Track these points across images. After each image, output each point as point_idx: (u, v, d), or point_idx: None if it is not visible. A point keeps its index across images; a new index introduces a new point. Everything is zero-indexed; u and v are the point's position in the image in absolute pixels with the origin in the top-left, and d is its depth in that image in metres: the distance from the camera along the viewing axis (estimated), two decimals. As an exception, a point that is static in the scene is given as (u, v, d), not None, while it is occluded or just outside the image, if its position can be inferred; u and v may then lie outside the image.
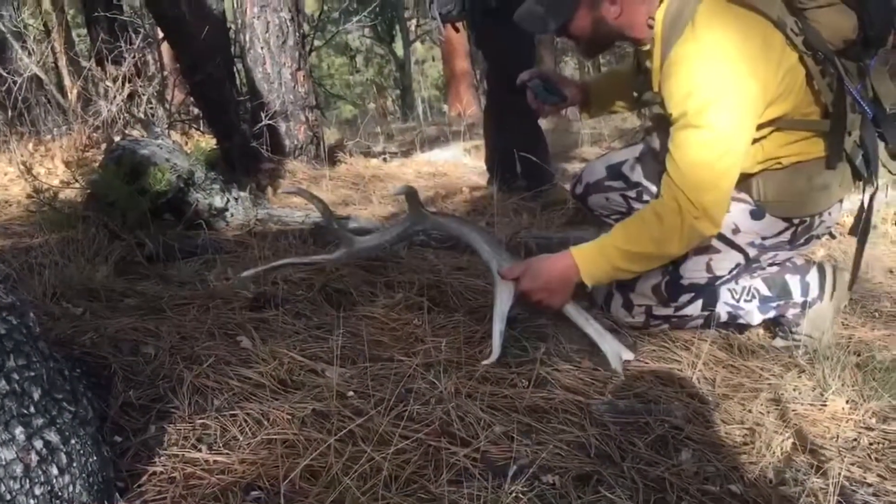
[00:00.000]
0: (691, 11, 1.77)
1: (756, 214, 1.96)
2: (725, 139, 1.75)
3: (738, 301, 2.10)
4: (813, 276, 2.13)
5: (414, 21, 19.98)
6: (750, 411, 1.75)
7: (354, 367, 1.83)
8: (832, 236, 2.40)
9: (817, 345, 2.05)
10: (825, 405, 1.79)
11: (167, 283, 2.36)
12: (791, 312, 2.13)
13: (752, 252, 2.01)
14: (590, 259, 1.88)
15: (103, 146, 3.86)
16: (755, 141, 1.87)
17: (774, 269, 2.13)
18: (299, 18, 4.87)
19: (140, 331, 1.90)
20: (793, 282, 2.12)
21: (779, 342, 2.17)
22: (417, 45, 21.59)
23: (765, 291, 2.11)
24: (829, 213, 2.01)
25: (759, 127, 1.83)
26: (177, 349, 1.81)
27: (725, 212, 1.84)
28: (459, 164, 5.50)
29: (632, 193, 2.31)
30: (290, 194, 3.65)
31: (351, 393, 1.68)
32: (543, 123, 4.43)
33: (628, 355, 1.86)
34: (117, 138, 3.62)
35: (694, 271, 2.00)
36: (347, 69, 23.77)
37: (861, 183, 1.95)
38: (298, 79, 4.72)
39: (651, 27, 1.88)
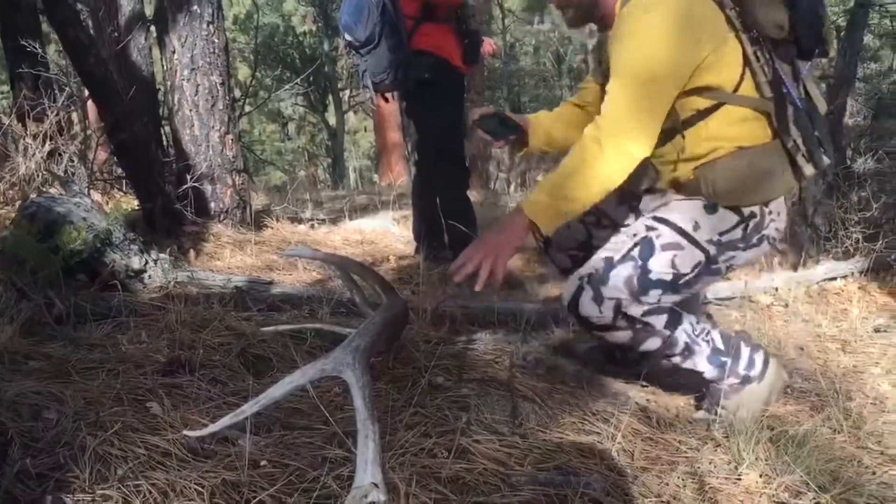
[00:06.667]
0: None
1: (709, 209, 2.07)
2: (650, 70, 1.94)
3: (696, 335, 2.13)
4: (759, 357, 2.19)
5: (347, 91, 20.23)
6: (667, 484, 1.75)
7: (269, 435, 1.77)
8: (776, 249, 2.48)
9: (732, 418, 2.08)
10: (740, 479, 1.80)
11: (76, 346, 2.26)
12: (728, 382, 2.16)
13: (711, 250, 2.07)
14: (531, 199, 1.99)
15: (18, 203, 3.73)
16: (701, 116, 2.03)
17: (730, 332, 2.22)
18: (230, 83, 4.86)
19: (43, 395, 1.81)
20: (744, 350, 2.18)
21: (700, 414, 2.20)
22: (350, 114, 21.81)
23: (719, 343, 2.15)
24: (779, 214, 2.12)
25: (699, 92, 2.01)
26: (81, 415, 1.72)
27: (651, 136, 1.97)
28: (388, 232, 5.50)
29: (591, 218, 2.36)
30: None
31: (264, 462, 1.62)
32: (471, 195, 4.49)
33: (376, 497, 1.43)
34: (33, 195, 3.51)
35: (660, 266, 2.04)
36: (279, 136, 23.79)
37: (800, 180, 2.09)
38: (227, 142, 4.69)
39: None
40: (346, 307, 2.89)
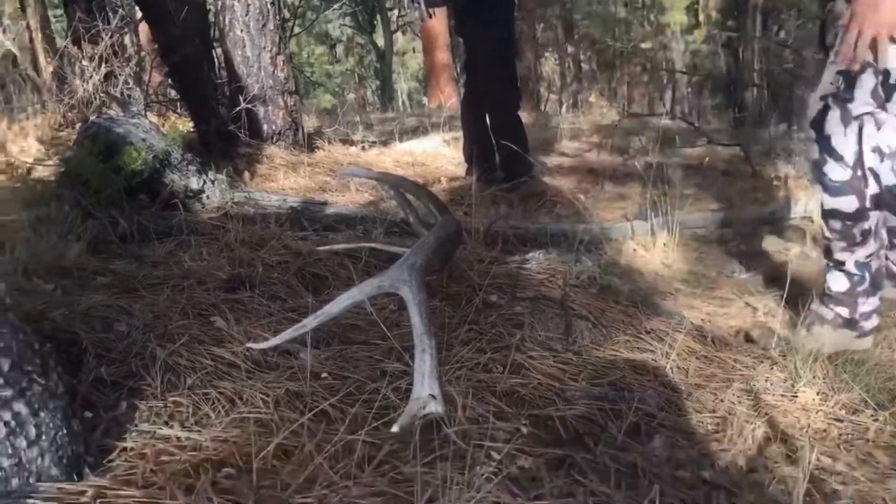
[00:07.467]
0: None
1: None
2: None
3: (880, 232, 2.09)
4: (875, 321, 2.14)
5: (395, 11, 19.89)
6: (722, 401, 1.76)
7: (329, 349, 1.82)
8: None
9: (791, 338, 2.07)
10: (796, 396, 1.80)
11: (141, 263, 2.33)
12: (836, 311, 2.12)
13: None
14: None
15: (78, 125, 3.80)
16: None
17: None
18: (279, 2, 4.82)
19: (113, 308, 1.87)
20: (876, 300, 2.12)
21: (782, 330, 2.17)
22: (398, 35, 21.48)
23: (875, 264, 2.10)
24: None
25: None
26: (150, 327, 1.78)
27: None
28: (438, 154, 5.48)
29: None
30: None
31: (325, 374, 1.67)
32: (522, 116, 4.44)
33: (434, 408, 1.51)
34: (93, 117, 3.57)
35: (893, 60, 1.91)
36: (327, 58, 23.62)
37: None
38: (278, 63, 4.68)
39: None
40: (399, 227, 2.92)
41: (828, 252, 2.14)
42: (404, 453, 1.40)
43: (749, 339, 2.19)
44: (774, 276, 2.73)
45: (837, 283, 2.12)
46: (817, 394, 1.79)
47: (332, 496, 1.24)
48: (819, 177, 2.07)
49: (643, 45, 14.85)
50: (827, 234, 2.11)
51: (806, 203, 3.51)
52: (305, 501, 1.22)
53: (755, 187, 4.29)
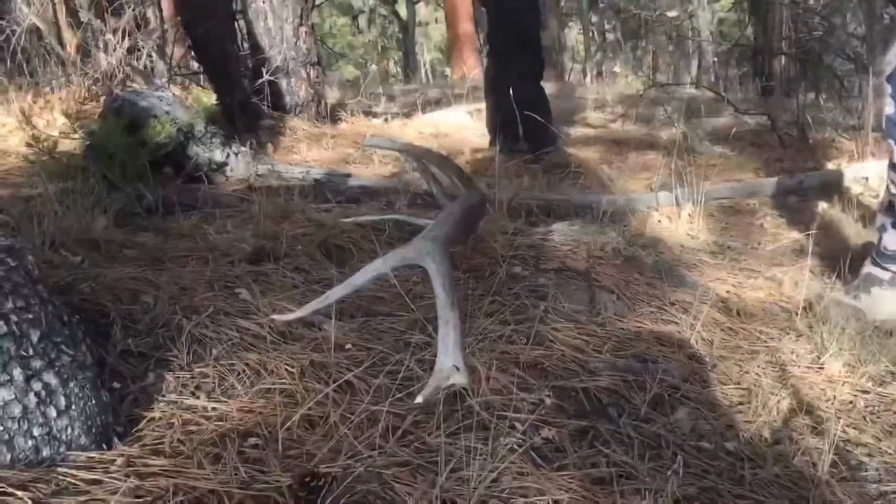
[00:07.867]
0: None
1: None
2: None
3: None
4: None
5: (418, -19, 19.71)
6: (747, 372, 1.75)
7: (353, 321, 1.83)
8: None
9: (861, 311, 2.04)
10: (822, 368, 1.79)
11: (166, 235, 2.35)
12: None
13: None
14: None
15: (102, 99, 3.82)
16: None
17: None
18: (302, -27, 4.80)
19: (139, 280, 1.89)
20: None
21: (838, 295, 2.15)
22: (421, 5, 21.31)
23: None
24: None
25: None
26: (176, 299, 1.80)
27: None
28: (462, 126, 5.46)
29: None
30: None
31: (349, 346, 1.68)
32: (546, 87, 4.39)
33: (458, 379, 1.50)
34: (117, 90, 3.59)
35: None
36: (350, 29, 23.49)
37: None
38: (300, 35, 4.67)
39: None
40: (422, 199, 2.91)
41: (890, 208, 2.12)
42: (428, 424, 1.41)
43: (809, 308, 2.15)
44: (803, 246, 2.70)
45: (895, 241, 2.09)
46: (843, 365, 1.78)
47: (356, 466, 1.25)
48: (892, 131, 2.04)
49: (669, 14, 14.61)
50: (893, 189, 2.09)
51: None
52: (331, 471, 1.23)
53: (782, 157, 4.23)
